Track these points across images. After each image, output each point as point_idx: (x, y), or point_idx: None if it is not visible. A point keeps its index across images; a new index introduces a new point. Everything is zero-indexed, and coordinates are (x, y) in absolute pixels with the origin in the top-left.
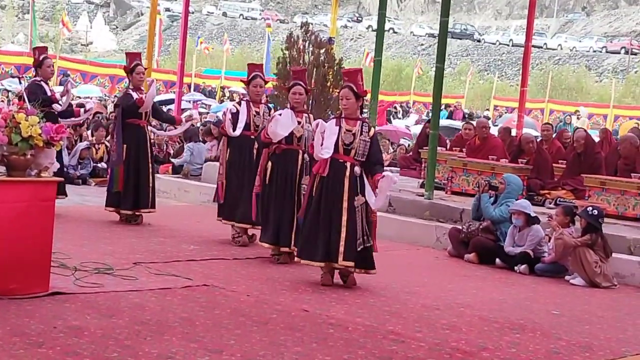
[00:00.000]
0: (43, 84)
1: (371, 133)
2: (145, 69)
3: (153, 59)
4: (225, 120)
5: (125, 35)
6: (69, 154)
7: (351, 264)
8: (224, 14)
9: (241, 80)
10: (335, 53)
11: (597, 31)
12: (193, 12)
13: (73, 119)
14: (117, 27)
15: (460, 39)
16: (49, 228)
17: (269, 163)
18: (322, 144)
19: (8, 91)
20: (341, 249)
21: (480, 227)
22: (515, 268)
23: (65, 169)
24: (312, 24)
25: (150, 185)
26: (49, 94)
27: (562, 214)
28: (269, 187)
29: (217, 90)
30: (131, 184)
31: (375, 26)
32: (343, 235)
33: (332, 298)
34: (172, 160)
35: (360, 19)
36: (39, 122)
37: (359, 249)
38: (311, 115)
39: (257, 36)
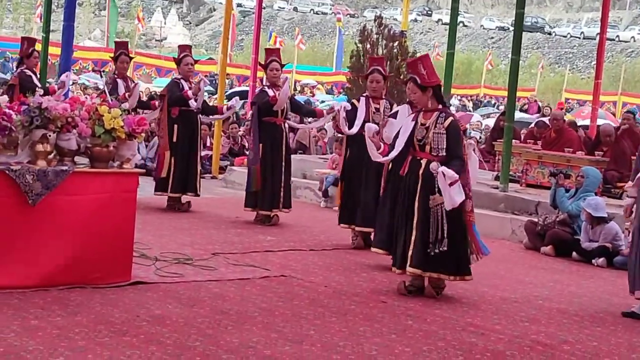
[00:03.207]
0: (182, 81)
1: (446, 123)
2: (282, 65)
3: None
4: (339, 118)
5: (198, 31)
6: (146, 146)
7: (418, 271)
8: (295, 9)
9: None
10: (407, 46)
11: None
12: (265, 8)
13: (216, 115)
14: (190, 23)
15: (531, 31)
16: (131, 219)
17: (390, 164)
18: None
19: (86, 86)
20: (410, 253)
21: (557, 219)
22: (593, 261)
23: (143, 161)
24: (383, 17)
25: (283, 184)
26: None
27: None
28: (389, 190)
29: (290, 83)
30: (268, 184)
31: (445, 20)
32: (413, 238)
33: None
34: (248, 152)
35: (430, 12)
36: (120, 115)
37: (432, 254)
38: None
39: (328, 30)
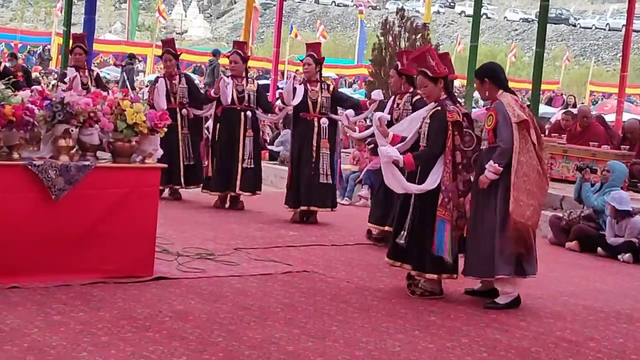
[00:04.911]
0: (231, 79)
1: (432, 112)
2: (320, 60)
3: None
4: (344, 126)
5: (219, 24)
6: None
7: (389, 261)
8: (317, 1)
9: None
10: (430, 39)
11: None
12: (286, 0)
13: (270, 115)
14: (211, 16)
15: (556, 23)
16: (153, 213)
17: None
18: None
19: (108, 80)
20: (391, 244)
21: (582, 214)
22: (619, 257)
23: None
24: (405, 9)
25: (320, 181)
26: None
27: None
28: None
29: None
30: (294, 182)
31: (468, 12)
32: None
33: None
34: (269, 146)
35: (453, 4)
36: (143, 110)
37: (399, 243)
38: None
39: (349, 23)
